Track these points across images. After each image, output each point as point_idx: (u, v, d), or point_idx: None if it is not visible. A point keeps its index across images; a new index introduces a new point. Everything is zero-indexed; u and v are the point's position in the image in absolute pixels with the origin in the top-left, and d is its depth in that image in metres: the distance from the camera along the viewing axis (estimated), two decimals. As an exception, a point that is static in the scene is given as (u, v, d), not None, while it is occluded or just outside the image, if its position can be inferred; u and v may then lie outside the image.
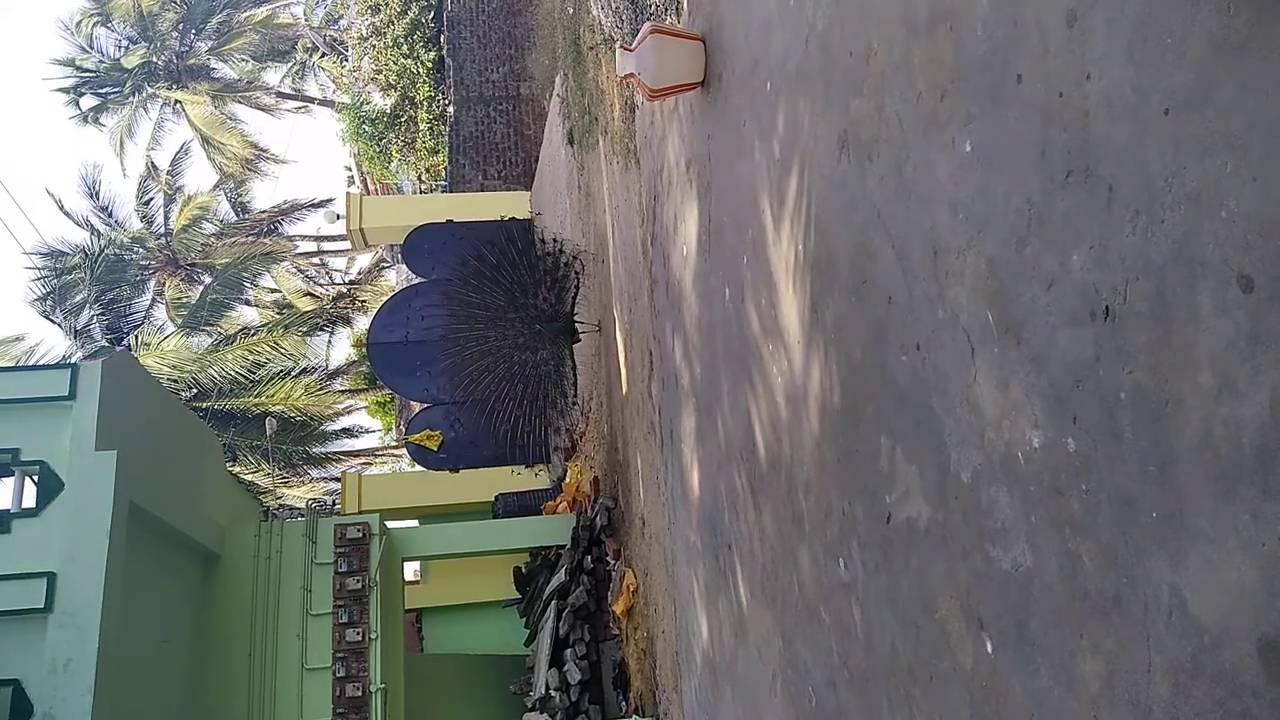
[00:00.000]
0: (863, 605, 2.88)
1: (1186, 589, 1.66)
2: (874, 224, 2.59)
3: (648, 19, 5.30)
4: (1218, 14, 1.57)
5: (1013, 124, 2.04)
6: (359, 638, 9.46)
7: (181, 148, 27.56)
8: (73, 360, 16.22)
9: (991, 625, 2.23)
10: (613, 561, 8.84)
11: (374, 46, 20.85)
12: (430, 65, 19.85)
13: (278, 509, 18.03)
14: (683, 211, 5.06)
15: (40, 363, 19.75)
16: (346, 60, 25.85)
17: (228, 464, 14.80)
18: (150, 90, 28.10)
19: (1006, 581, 2.15)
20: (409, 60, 20.06)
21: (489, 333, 10.09)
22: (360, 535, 9.78)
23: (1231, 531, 1.55)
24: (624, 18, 6.52)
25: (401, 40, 20.04)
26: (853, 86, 2.65)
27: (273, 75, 31.58)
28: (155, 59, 27.39)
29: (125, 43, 27.90)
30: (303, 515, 13.12)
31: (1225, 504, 1.57)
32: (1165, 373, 1.69)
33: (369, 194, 23.53)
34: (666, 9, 4.83)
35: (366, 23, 21.07)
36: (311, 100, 32.35)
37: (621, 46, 4.35)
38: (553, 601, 9.24)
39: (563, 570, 9.20)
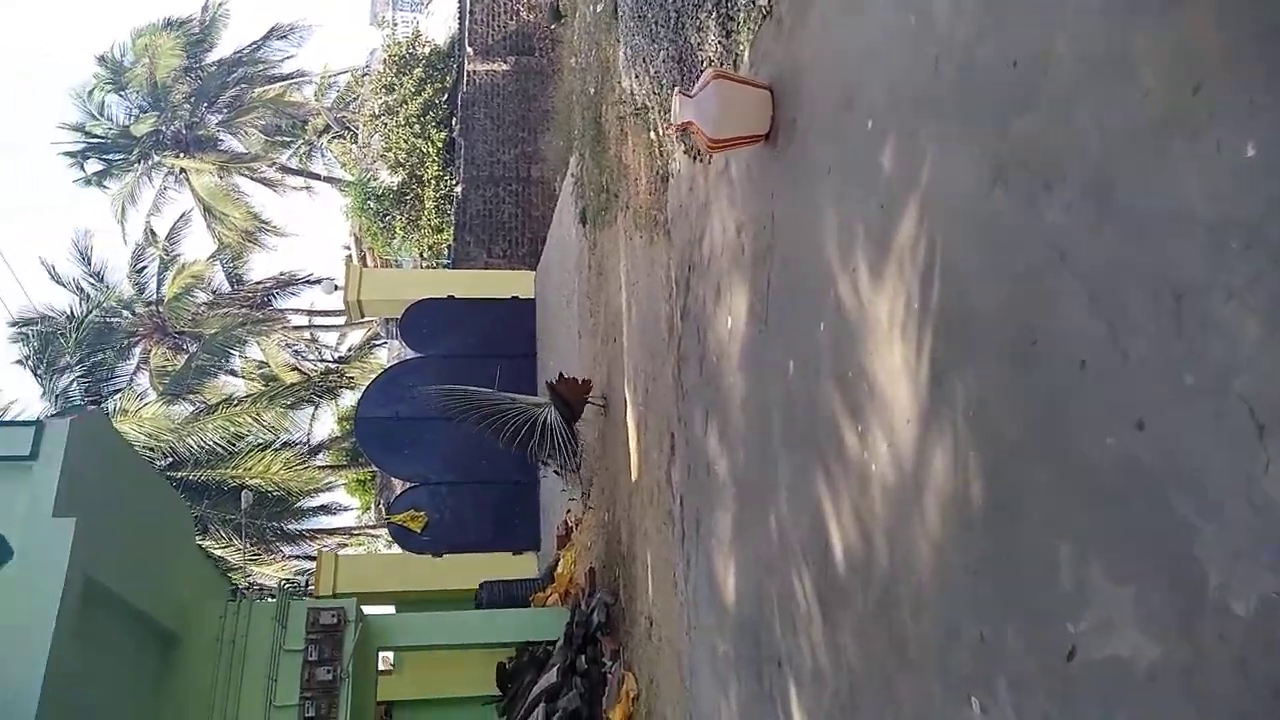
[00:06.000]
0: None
1: None
2: (1052, 267, 2.08)
3: (696, 76, 4.95)
4: None
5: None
6: (325, 735, 8.65)
7: (182, 216, 27.44)
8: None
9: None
10: (609, 663, 8.12)
11: (385, 124, 20.84)
12: (440, 145, 19.80)
13: (247, 587, 17.12)
14: (729, 281, 4.62)
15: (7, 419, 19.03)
16: (355, 142, 25.89)
17: (198, 538, 14.02)
18: (157, 158, 28.05)
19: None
20: (420, 140, 20.01)
21: (485, 409, 9.66)
22: (335, 621, 9.04)
23: None
24: (663, 82, 6.21)
25: (414, 120, 20.04)
26: (1017, 102, 2.20)
27: (280, 153, 31.66)
28: (165, 128, 27.40)
29: (136, 111, 27.95)
30: (273, 596, 12.31)
31: None
32: None
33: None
34: (723, 62, 4.49)
35: (380, 101, 21.10)
36: (317, 177, 32.38)
37: (680, 92, 3.98)
38: (540, 705, 8.47)
39: (554, 670, 8.47)
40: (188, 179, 28.26)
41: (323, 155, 32.01)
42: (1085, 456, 1.96)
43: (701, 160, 5.32)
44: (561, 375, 9.47)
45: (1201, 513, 1.67)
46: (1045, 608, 2.09)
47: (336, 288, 19.47)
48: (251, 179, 29.69)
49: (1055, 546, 2.05)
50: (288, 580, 18.69)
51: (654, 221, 6.86)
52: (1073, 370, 2.00)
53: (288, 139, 31.18)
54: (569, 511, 10.76)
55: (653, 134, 6.72)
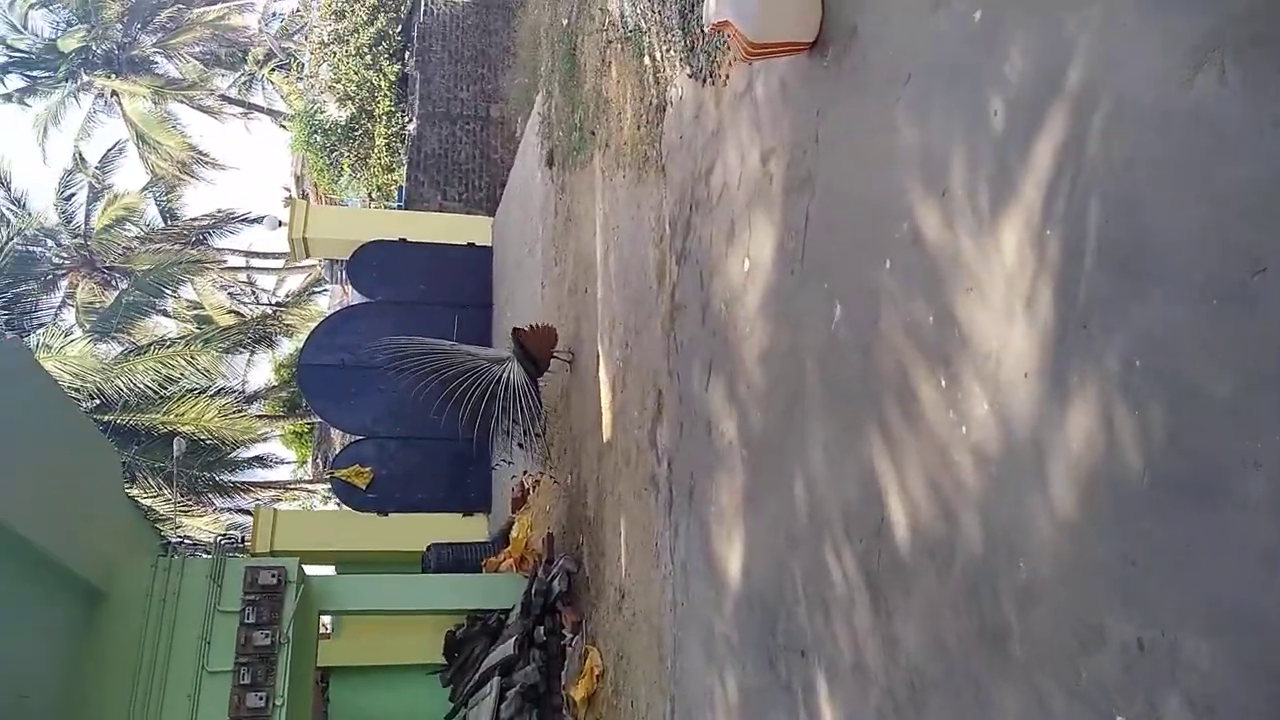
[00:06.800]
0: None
1: None
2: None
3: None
4: None
5: None
6: (261, 703, 8.02)
7: (115, 145, 25.95)
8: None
9: None
10: (570, 636, 7.62)
11: (334, 54, 19.67)
12: (393, 79, 18.74)
13: (179, 541, 16.27)
14: (747, 218, 4.06)
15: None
16: (301, 75, 24.58)
17: (126, 486, 13.16)
18: (86, 78, 26.38)
19: None
20: (370, 72, 18.92)
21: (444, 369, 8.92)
22: (275, 582, 8.39)
23: None
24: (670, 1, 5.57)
25: (365, 50, 18.92)
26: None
27: (220, 82, 30.07)
28: (94, 46, 25.72)
29: (64, 26, 26.21)
30: (208, 552, 11.57)
31: None
32: None
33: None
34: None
35: (329, 29, 19.91)
36: (258, 109, 30.85)
37: (718, -15, 3.38)
38: (495, 677, 7.95)
39: (510, 641, 7.95)
40: (119, 103, 26.68)
41: (263, 87, 30.45)
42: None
43: (712, 83, 4.72)
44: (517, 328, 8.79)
45: None
46: (1259, 613, 1.58)
47: (280, 224, 18.42)
48: (189, 106, 28.16)
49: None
50: (222, 535, 17.85)
51: (643, 158, 6.25)
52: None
53: (227, 68, 29.60)
54: (525, 472, 10.19)
55: (647, 59, 6.09)
